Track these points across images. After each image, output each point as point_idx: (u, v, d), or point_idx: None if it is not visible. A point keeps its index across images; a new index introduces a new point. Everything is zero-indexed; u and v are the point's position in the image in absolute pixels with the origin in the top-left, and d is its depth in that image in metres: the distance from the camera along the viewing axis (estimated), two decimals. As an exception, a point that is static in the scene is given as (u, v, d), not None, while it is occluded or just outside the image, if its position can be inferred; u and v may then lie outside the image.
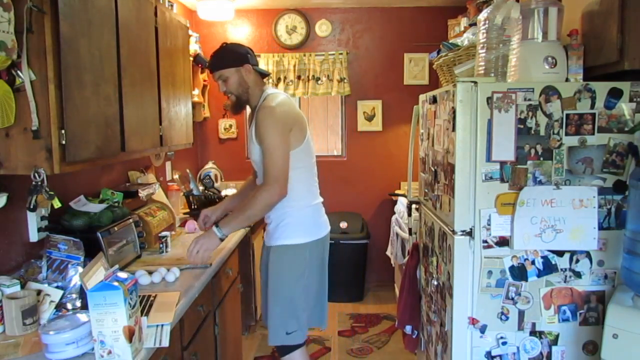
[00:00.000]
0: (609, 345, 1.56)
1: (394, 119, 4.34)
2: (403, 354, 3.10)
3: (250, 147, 2.17)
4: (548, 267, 1.79)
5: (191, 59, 3.31)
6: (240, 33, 4.27)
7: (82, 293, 1.65)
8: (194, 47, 3.70)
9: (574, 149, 1.75)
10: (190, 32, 3.30)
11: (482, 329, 1.82)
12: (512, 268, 1.79)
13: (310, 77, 4.20)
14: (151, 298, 1.74)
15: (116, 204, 2.21)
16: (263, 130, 1.97)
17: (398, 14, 4.26)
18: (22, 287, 1.62)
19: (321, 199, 2.23)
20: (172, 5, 3.01)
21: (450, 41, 2.56)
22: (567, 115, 1.74)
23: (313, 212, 2.17)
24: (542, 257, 1.78)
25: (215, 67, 2.11)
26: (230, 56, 2.10)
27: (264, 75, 2.21)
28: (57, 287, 1.66)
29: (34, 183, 1.50)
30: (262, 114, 2.00)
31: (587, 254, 1.78)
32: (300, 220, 2.12)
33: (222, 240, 2.00)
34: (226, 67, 2.08)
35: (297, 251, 2.10)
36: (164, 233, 2.41)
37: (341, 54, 4.22)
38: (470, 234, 1.80)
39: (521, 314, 1.81)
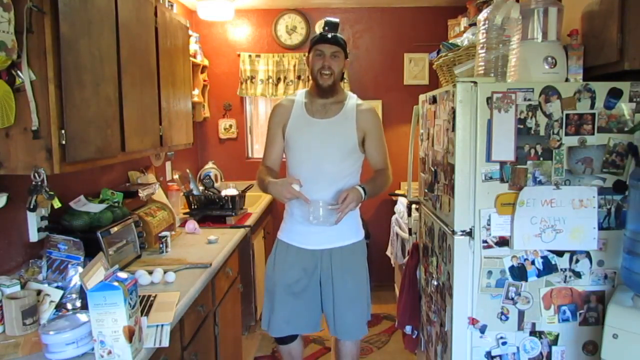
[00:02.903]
0: (609, 345, 1.56)
1: (394, 119, 4.33)
2: (403, 354, 3.10)
3: (335, 136, 2.18)
4: (548, 267, 1.79)
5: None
6: (240, 33, 4.27)
7: (82, 293, 1.65)
8: (194, 47, 3.70)
9: (573, 149, 1.75)
10: (190, 32, 3.30)
11: (482, 329, 1.82)
12: (512, 268, 1.79)
13: (310, 77, 4.19)
14: (151, 298, 1.74)
15: (116, 204, 2.21)
16: (378, 128, 2.25)
17: (398, 14, 4.26)
18: (22, 287, 1.62)
19: None
20: (172, 5, 3.01)
21: (450, 41, 2.56)
22: (567, 115, 1.74)
23: None
24: (542, 257, 1.78)
25: (340, 43, 2.17)
26: (346, 45, 2.23)
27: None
28: (57, 287, 1.66)
29: (34, 183, 1.50)
30: (376, 115, 2.29)
31: (587, 254, 1.78)
32: (359, 217, 2.35)
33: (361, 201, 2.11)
34: (344, 50, 2.19)
35: (363, 245, 2.34)
36: (164, 233, 2.41)
37: (341, 54, 4.21)
38: (470, 234, 1.80)
39: (521, 314, 1.81)
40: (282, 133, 2.25)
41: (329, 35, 2.13)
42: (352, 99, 2.25)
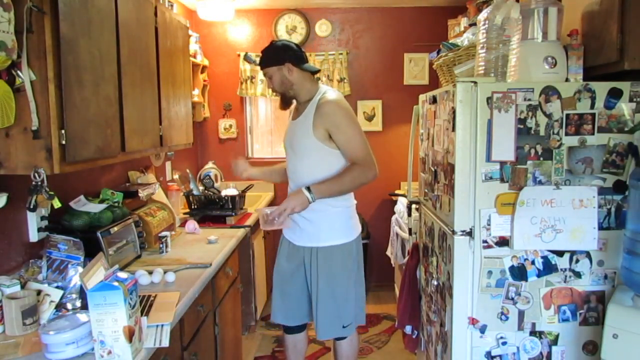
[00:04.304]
0: (609, 345, 1.56)
1: (394, 119, 4.33)
2: (403, 354, 3.10)
3: (296, 138, 2.22)
4: (548, 267, 1.79)
5: (193, 60, 3.31)
6: (240, 33, 4.27)
7: (82, 293, 1.65)
8: (194, 47, 3.70)
9: (573, 149, 1.75)
10: (190, 32, 3.30)
11: (482, 329, 1.82)
12: (512, 268, 1.79)
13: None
14: (151, 298, 1.74)
15: (116, 204, 2.21)
16: (338, 121, 2.09)
17: (398, 14, 4.26)
18: (22, 287, 1.62)
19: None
20: (172, 5, 3.01)
21: (450, 41, 2.56)
22: (567, 115, 1.74)
23: (354, 211, 2.31)
24: (542, 257, 1.78)
25: (261, 65, 2.22)
26: (272, 55, 2.18)
27: (313, 72, 2.28)
28: (57, 287, 1.66)
29: (34, 183, 1.50)
30: (333, 107, 2.10)
31: (587, 254, 1.78)
32: (347, 219, 2.25)
33: (309, 203, 2.06)
34: (269, 66, 2.18)
35: (346, 248, 2.23)
36: (164, 233, 2.41)
37: (341, 54, 4.22)
38: (470, 234, 1.80)
39: (521, 314, 1.81)
40: None
41: (256, 63, 2.26)
42: (319, 94, 2.18)
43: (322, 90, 2.21)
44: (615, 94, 1.72)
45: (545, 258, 1.79)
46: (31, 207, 1.56)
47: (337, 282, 2.21)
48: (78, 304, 1.66)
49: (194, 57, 3.66)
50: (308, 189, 2.06)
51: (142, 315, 1.54)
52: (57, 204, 1.63)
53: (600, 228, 1.75)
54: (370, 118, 4.35)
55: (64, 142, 1.52)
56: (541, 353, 1.82)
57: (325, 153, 2.14)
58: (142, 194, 2.53)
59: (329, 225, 2.20)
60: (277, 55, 2.17)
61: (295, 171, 2.26)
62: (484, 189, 1.77)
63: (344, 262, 2.22)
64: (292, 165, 2.28)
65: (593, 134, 1.74)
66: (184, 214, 3.24)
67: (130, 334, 1.32)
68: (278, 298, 2.36)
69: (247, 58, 2.34)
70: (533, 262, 1.79)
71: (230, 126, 4.35)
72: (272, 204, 4.16)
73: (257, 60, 2.26)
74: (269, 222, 2.11)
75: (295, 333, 2.42)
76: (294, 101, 2.31)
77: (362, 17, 4.28)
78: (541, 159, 1.76)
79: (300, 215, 2.18)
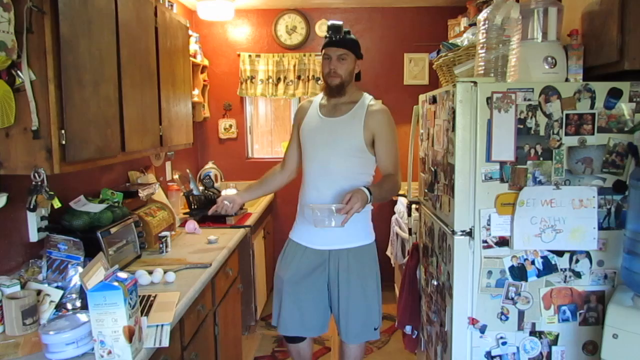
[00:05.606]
0: (609, 345, 1.56)
1: (394, 118, 4.31)
2: (403, 354, 3.10)
3: (338, 135, 2.16)
4: (548, 267, 1.79)
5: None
6: (240, 33, 4.27)
7: (82, 293, 1.65)
8: (194, 47, 3.70)
9: (573, 149, 1.75)
10: (190, 32, 3.30)
11: (482, 329, 1.82)
12: (511, 268, 1.79)
13: (310, 77, 4.20)
14: (151, 298, 1.74)
15: (116, 204, 2.20)
16: (389, 131, 2.20)
17: (398, 14, 4.26)
18: (22, 287, 1.62)
19: None
20: (172, 5, 3.01)
21: (450, 41, 2.56)
22: (567, 115, 1.74)
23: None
24: (541, 257, 1.78)
25: (346, 45, 2.14)
26: (357, 44, 2.19)
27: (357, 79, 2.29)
28: (57, 287, 1.66)
29: (34, 183, 1.50)
30: (387, 116, 2.21)
31: (587, 254, 1.78)
32: (368, 221, 2.28)
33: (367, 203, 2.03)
34: (352, 51, 2.16)
35: (373, 248, 2.26)
36: (164, 233, 2.41)
37: (341, 54, 4.21)
38: (470, 234, 1.80)
39: (521, 314, 1.81)
40: (299, 132, 2.32)
41: (334, 38, 2.13)
42: (366, 99, 2.21)
43: (368, 97, 2.25)
44: (615, 94, 1.72)
45: (545, 258, 1.79)
46: (31, 207, 1.56)
47: (368, 283, 2.19)
48: (78, 304, 1.66)
49: (194, 57, 3.66)
50: (369, 190, 1.99)
51: (142, 315, 1.54)
52: (57, 204, 1.63)
53: (600, 228, 1.75)
54: (370, 118, 4.33)
55: (64, 142, 1.52)
56: (541, 353, 1.83)
57: (364, 156, 2.17)
58: (142, 194, 2.53)
59: (355, 226, 2.13)
60: (359, 47, 2.20)
61: (327, 171, 2.16)
62: (483, 189, 1.77)
63: (370, 263, 2.22)
64: (323, 163, 2.17)
65: (593, 134, 1.74)
66: (184, 214, 3.24)
67: (130, 334, 1.32)
68: (293, 309, 2.23)
69: (334, 27, 2.13)
70: (533, 262, 1.79)
71: (230, 126, 4.35)
72: (272, 203, 4.16)
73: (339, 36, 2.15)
74: (328, 219, 1.98)
75: (298, 342, 2.34)
76: (315, 99, 2.30)
77: (362, 17, 4.28)
78: (541, 159, 1.76)
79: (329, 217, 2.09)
